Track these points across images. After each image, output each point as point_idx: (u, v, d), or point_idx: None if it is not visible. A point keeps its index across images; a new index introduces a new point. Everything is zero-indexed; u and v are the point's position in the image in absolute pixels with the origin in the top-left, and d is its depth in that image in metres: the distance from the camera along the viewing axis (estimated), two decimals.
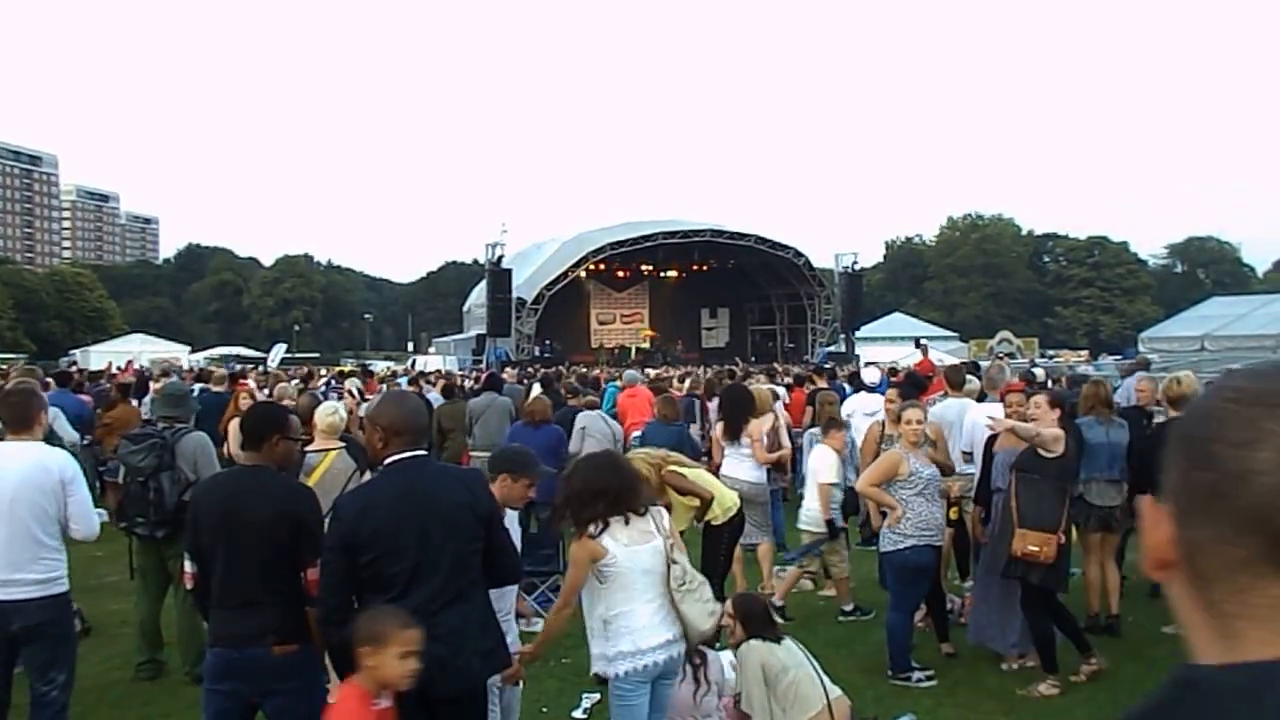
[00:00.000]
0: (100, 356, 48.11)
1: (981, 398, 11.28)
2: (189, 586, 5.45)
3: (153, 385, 18.95)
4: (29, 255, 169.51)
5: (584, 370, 30.70)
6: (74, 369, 27.91)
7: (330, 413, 8.20)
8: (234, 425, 11.54)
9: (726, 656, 7.62)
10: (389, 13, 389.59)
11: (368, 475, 8.03)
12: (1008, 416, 8.93)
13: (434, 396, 17.23)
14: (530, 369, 30.15)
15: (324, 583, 4.72)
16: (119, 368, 31.65)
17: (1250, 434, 1.08)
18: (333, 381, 23.85)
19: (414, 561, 4.60)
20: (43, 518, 5.99)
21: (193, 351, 63.22)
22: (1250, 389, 1.12)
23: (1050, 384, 16.91)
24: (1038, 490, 7.89)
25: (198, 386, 17.87)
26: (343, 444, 7.96)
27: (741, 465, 10.76)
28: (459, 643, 4.64)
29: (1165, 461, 1.18)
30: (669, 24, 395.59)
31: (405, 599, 4.58)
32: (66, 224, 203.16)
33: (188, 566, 5.34)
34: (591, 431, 12.51)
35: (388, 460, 4.85)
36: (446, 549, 4.64)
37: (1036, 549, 7.74)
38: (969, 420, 10.12)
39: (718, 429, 11.26)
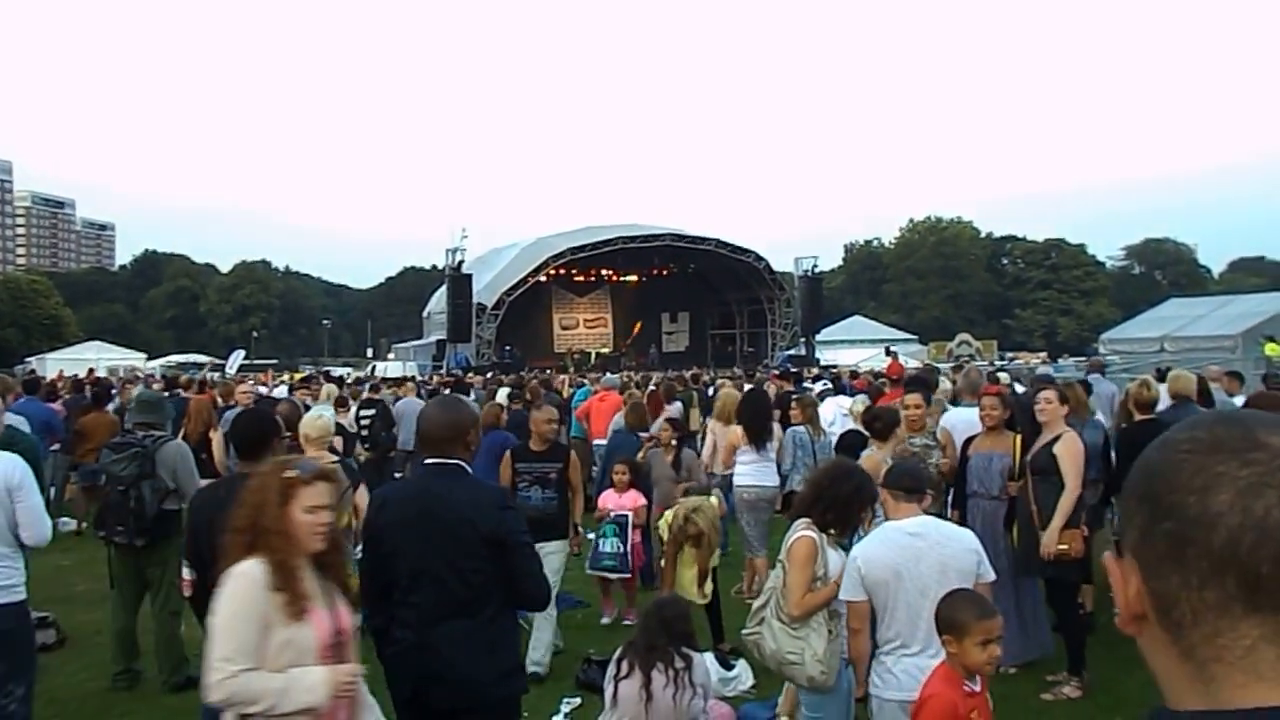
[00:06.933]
0: (56, 364, 47.71)
1: (955, 401, 11.28)
2: (187, 594, 5.37)
3: (118, 393, 18.82)
4: None
5: (547, 374, 30.66)
6: (30, 375, 27.65)
7: (316, 417, 8.18)
8: (217, 437, 11.47)
9: (710, 659, 7.61)
10: (347, 18, 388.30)
11: (361, 491, 8.00)
12: (981, 420, 8.92)
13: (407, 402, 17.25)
14: (491, 374, 30.18)
15: (361, 569, 4.88)
16: (75, 376, 31.34)
17: (1205, 480, 1.11)
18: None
19: (413, 565, 4.61)
20: None
21: (149, 359, 62.76)
22: (1203, 439, 1.15)
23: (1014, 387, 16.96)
24: (1057, 490, 7.87)
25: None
26: (336, 457, 7.92)
27: (762, 472, 10.75)
28: (455, 656, 4.57)
29: (1124, 518, 1.22)
30: (628, 30, 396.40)
31: (408, 601, 4.62)
32: (21, 230, 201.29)
33: (186, 574, 5.28)
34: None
35: (424, 462, 4.91)
36: (447, 560, 4.58)
37: (1065, 547, 7.78)
38: (944, 422, 10.03)
39: (735, 434, 11.06)
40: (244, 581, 3.78)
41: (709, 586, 9.07)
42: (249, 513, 3.94)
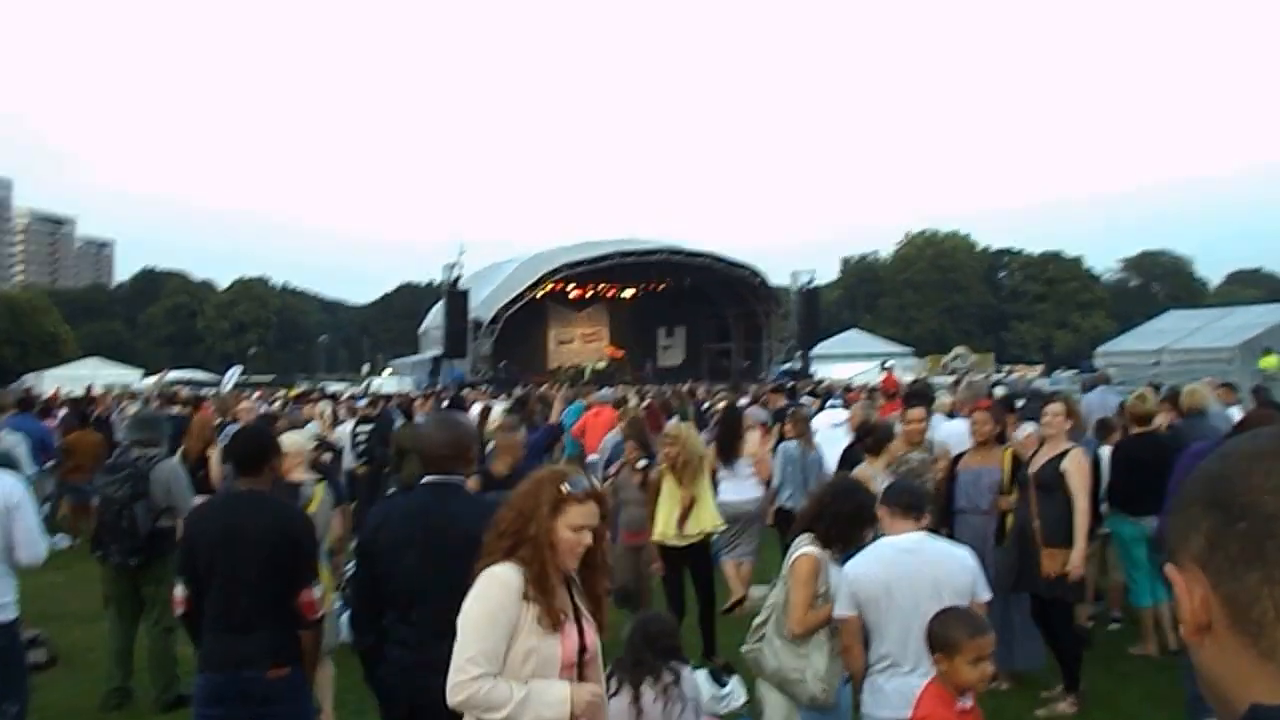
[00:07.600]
0: (53, 381, 47.65)
1: (953, 414, 11.26)
2: (180, 611, 5.35)
3: (116, 411, 18.82)
4: None
5: (544, 390, 30.54)
6: (26, 392, 27.65)
7: (302, 438, 8.14)
8: (216, 454, 11.44)
9: (701, 674, 7.57)
10: (344, 35, 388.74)
11: (338, 512, 7.93)
12: (972, 435, 8.88)
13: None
14: (484, 389, 30.05)
15: (352, 588, 4.88)
16: (71, 394, 31.30)
17: (1279, 480, 1.13)
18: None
19: (413, 582, 4.59)
20: None
21: (146, 374, 62.58)
22: (1266, 447, 1.17)
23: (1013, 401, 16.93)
24: (1061, 507, 7.78)
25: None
26: (322, 476, 7.86)
27: (742, 487, 10.76)
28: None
29: (1180, 529, 1.22)
30: (626, 43, 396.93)
31: (408, 619, 4.59)
32: (20, 248, 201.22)
33: (179, 591, 5.25)
34: None
35: (423, 480, 4.90)
36: (448, 577, 4.38)
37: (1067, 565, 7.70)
38: (939, 435, 9.99)
39: (711, 452, 10.96)
40: (499, 586, 3.74)
41: (693, 527, 9.04)
42: (516, 518, 3.87)
